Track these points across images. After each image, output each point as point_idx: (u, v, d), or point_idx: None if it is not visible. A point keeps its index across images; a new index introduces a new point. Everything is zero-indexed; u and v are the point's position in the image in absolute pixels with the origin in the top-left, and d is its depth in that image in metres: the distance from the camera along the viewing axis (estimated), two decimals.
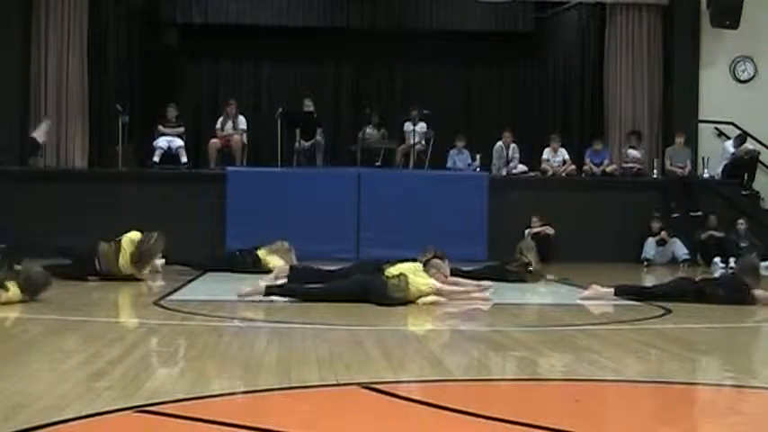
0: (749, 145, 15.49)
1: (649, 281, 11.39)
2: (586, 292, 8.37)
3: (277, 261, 10.60)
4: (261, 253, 10.90)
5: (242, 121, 15.27)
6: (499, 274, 10.04)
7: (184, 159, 14.87)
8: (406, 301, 7.44)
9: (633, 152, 15.55)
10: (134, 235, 9.48)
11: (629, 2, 16.16)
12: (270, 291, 7.60)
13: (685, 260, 14.01)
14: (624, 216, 14.39)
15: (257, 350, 5.14)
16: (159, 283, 9.38)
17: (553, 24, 18.38)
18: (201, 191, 13.87)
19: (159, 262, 10.30)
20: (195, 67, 18.60)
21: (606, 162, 15.55)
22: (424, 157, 15.48)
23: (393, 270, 7.79)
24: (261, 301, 7.53)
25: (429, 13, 17.88)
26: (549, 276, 10.45)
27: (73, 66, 15.03)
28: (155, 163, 14.76)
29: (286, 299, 7.57)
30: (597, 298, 8.26)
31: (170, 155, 14.92)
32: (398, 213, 13.62)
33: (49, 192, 13.65)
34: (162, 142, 14.92)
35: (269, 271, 10.11)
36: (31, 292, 7.24)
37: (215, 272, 10.57)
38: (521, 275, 10.12)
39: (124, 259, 9.33)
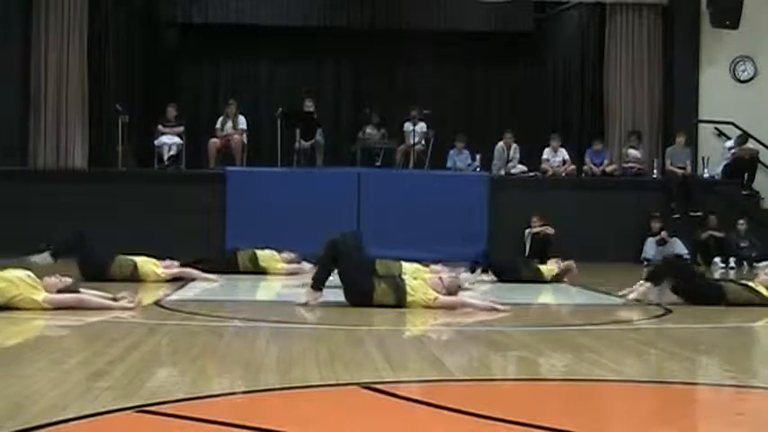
0: (750, 145, 15.49)
1: None
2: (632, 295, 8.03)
3: (277, 264, 10.67)
4: (260, 254, 10.90)
5: (242, 121, 15.27)
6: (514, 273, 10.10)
7: (172, 152, 14.90)
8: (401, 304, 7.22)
9: (633, 152, 15.56)
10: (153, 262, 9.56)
11: (629, 2, 16.16)
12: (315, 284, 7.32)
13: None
14: (624, 216, 14.38)
15: (257, 350, 5.13)
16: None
17: (553, 24, 18.39)
18: (201, 191, 13.87)
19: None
20: (195, 67, 18.62)
21: (606, 162, 15.56)
22: (424, 157, 15.48)
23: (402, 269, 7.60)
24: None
25: (429, 13, 17.89)
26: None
27: (73, 66, 15.03)
28: (172, 157, 14.82)
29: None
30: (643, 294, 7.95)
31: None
32: (398, 213, 13.62)
33: (48, 192, 13.65)
34: (163, 141, 14.96)
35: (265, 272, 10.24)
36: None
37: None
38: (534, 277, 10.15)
39: (142, 271, 9.42)
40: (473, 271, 10.35)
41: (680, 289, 7.93)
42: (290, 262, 10.82)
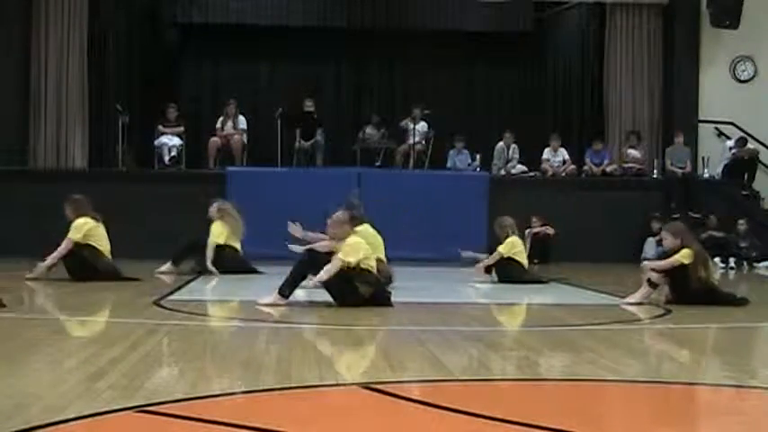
0: (750, 145, 15.50)
1: None
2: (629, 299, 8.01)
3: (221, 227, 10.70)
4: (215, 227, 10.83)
5: (242, 121, 15.28)
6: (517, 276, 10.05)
7: (173, 154, 14.93)
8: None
9: (633, 152, 15.56)
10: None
11: (629, 2, 16.17)
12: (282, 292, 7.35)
13: None
14: (624, 216, 14.38)
15: (257, 350, 5.14)
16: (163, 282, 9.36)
17: (553, 24, 18.38)
18: (201, 191, 13.85)
19: (166, 267, 10.43)
20: (195, 67, 18.61)
21: (606, 162, 15.56)
22: (424, 157, 15.48)
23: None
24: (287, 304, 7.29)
25: (429, 13, 17.88)
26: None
27: (73, 66, 15.03)
28: (173, 158, 14.84)
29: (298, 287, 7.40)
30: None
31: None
32: (398, 213, 13.61)
33: (49, 192, 13.63)
34: (163, 142, 14.98)
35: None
36: None
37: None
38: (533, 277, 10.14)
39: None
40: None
41: (675, 289, 7.95)
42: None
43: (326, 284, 7.33)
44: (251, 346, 5.32)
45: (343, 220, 7.50)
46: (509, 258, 10.12)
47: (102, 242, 9.45)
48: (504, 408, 3.73)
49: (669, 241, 8.07)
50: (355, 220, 8.20)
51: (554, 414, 3.64)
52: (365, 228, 8.70)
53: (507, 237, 10.15)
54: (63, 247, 9.24)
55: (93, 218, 9.49)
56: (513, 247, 10.11)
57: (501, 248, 10.07)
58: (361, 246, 7.33)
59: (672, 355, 5.28)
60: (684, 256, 7.78)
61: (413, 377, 4.48)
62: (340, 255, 7.16)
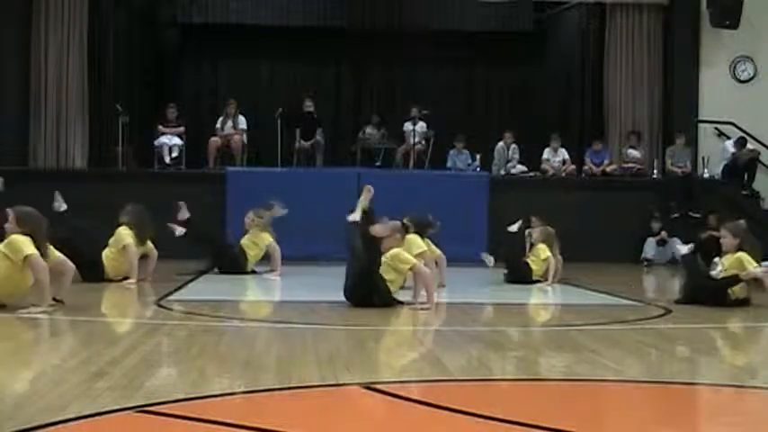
0: (750, 145, 15.49)
1: (651, 281, 11.42)
2: None
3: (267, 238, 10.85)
4: (246, 239, 10.97)
5: (242, 121, 15.26)
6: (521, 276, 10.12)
7: (175, 154, 14.93)
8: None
9: (633, 152, 15.55)
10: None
11: (629, 2, 16.15)
12: None
13: None
14: (624, 216, 14.36)
15: (257, 350, 5.14)
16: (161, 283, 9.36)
17: (553, 24, 18.37)
18: (201, 191, 13.85)
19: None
20: (195, 67, 18.61)
21: (606, 162, 15.55)
22: (424, 157, 15.48)
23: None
24: None
25: (429, 13, 17.88)
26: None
27: (73, 66, 15.01)
28: (175, 158, 14.83)
29: None
30: None
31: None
32: (398, 213, 13.57)
33: (49, 192, 13.63)
34: (163, 142, 14.98)
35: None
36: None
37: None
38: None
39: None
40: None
41: (689, 288, 8.01)
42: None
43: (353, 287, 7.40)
44: (251, 346, 5.32)
45: (395, 229, 7.71)
46: (525, 261, 10.29)
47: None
48: (504, 408, 3.73)
49: (728, 240, 8.21)
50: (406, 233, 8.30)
51: (554, 414, 3.64)
52: (414, 238, 8.91)
53: (535, 244, 10.34)
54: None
55: None
56: (544, 252, 10.26)
57: (547, 252, 10.21)
58: (409, 258, 7.52)
59: (672, 355, 5.28)
60: (751, 264, 7.88)
61: (413, 377, 4.48)
62: (405, 258, 7.43)
